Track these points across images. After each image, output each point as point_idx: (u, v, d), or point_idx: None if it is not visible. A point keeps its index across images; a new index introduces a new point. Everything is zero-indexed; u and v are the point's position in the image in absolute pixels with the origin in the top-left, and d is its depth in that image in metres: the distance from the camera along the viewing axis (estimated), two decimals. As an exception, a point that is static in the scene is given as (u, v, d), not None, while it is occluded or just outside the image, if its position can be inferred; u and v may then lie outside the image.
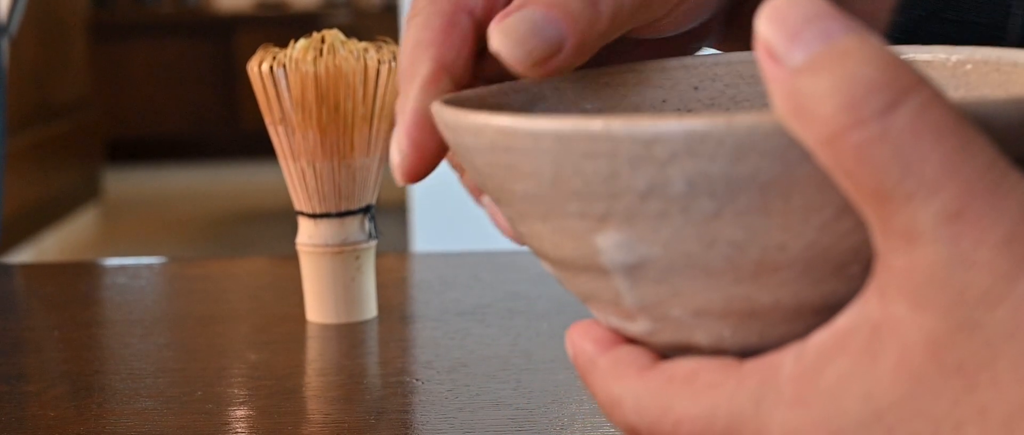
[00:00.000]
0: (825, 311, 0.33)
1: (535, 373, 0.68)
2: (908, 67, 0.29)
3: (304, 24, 0.83)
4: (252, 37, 5.19)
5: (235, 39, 6.03)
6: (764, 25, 0.30)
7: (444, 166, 0.42)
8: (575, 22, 0.39)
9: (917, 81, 0.29)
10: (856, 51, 0.29)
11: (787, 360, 0.32)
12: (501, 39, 0.39)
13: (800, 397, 0.31)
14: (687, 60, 0.46)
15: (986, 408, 0.29)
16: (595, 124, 0.32)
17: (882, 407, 0.30)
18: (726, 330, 0.35)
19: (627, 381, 0.35)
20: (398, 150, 0.40)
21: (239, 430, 0.61)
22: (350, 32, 0.81)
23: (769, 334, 0.34)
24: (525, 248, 0.41)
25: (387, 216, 4.65)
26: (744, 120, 0.31)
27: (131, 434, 0.60)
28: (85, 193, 4.83)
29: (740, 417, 0.32)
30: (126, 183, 5.60)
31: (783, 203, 0.32)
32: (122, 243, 4.58)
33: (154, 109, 6.15)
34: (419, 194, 2.42)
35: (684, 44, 0.49)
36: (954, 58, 0.43)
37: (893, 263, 0.30)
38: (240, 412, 0.63)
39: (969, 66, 0.43)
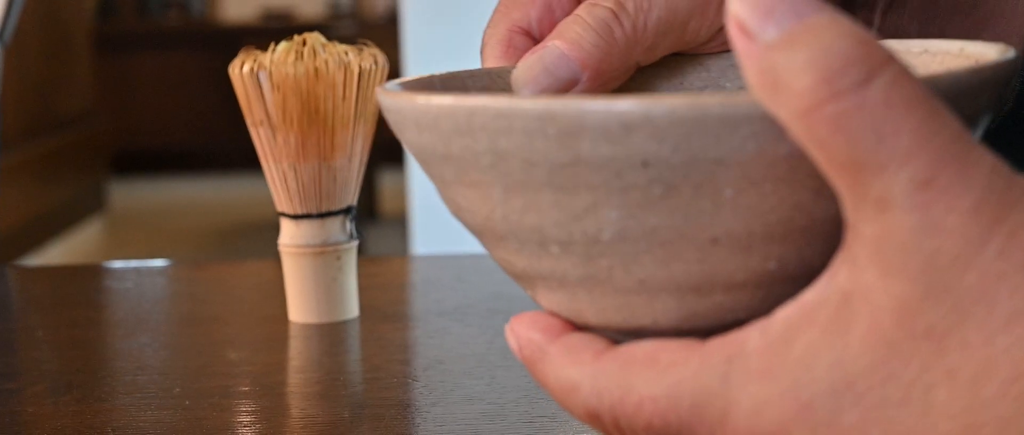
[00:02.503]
0: (533, 278, 0.37)
1: (510, 370, 0.68)
2: (879, 44, 0.30)
3: (310, 35, 0.83)
4: (258, 48, 5.17)
5: (241, 50, 6.04)
6: (736, 3, 0.30)
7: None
8: (588, 57, 0.41)
9: (888, 56, 0.30)
10: (829, 26, 0.30)
11: (752, 335, 0.33)
12: (516, 80, 0.42)
13: (769, 370, 0.32)
14: None
15: (955, 370, 0.30)
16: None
17: (852, 374, 0.31)
18: (537, 293, 0.38)
19: (583, 366, 0.35)
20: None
21: (213, 424, 0.62)
22: (355, 41, 0.82)
23: (552, 303, 0.37)
24: None
25: (389, 227, 4.62)
26: (427, 100, 0.34)
27: (106, 428, 0.61)
28: (90, 204, 4.84)
29: (707, 394, 0.33)
30: (131, 194, 5.61)
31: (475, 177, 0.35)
32: (127, 254, 4.59)
33: (159, 120, 6.16)
34: (418, 204, 2.43)
35: None
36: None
37: (864, 232, 0.31)
38: (216, 407, 0.64)
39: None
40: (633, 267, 0.34)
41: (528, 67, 0.41)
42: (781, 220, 0.33)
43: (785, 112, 0.30)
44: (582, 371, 0.35)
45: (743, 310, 0.34)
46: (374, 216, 4.72)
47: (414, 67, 2.29)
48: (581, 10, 0.42)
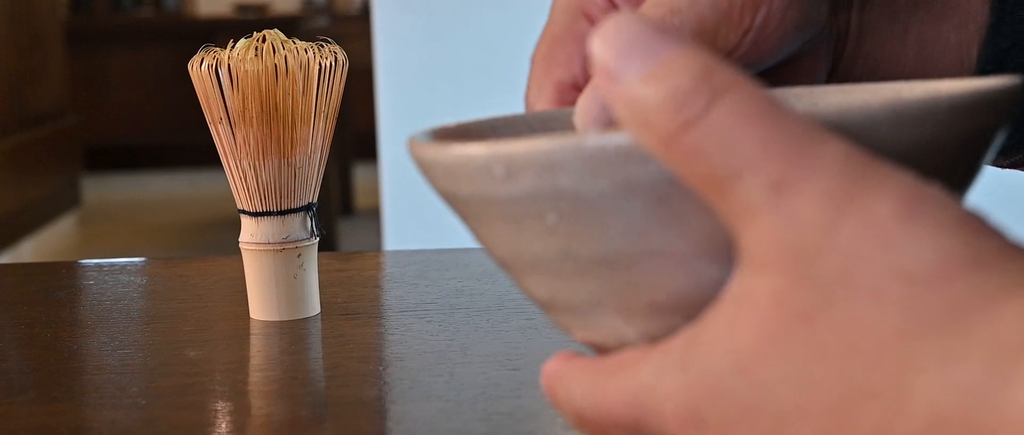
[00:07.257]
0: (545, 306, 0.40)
1: (469, 367, 0.68)
2: (723, 68, 0.33)
3: (283, 29, 0.83)
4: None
5: (214, 45, 6.01)
6: (597, 49, 0.34)
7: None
8: None
9: (731, 79, 0.33)
10: (677, 62, 0.33)
11: (683, 334, 0.36)
12: (578, 121, 0.44)
13: (684, 362, 0.35)
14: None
15: (826, 348, 0.32)
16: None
17: (744, 359, 0.34)
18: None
19: (577, 377, 0.39)
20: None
21: (169, 424, 0.62)
22: (328, 36, 0.82)
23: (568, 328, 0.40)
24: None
25: (365, 220, 4.60)
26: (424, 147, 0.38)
27: (61, 430, 0.60)
28: (64, 200, 4.82)
29: (647, 389, 0.36)
30: (105, 190, 5.59)
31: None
32: (101, 250, 4.57)
33: (133, 115, 6.14)
34: (390, 199, 2.42)
35: (792, 76, 0.51)
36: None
37: (741, 243, 0.34)
38: (171, 406, 0.64)
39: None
40: (585, 291, 0.37)
41: (585, 110, 0.44)
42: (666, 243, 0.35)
43: (651, 145, 0.33)
44: (576, 381, 0.39)
45: None
46: (350, 211, 4.72)
47: (385, 60, 2.28)
48: None
